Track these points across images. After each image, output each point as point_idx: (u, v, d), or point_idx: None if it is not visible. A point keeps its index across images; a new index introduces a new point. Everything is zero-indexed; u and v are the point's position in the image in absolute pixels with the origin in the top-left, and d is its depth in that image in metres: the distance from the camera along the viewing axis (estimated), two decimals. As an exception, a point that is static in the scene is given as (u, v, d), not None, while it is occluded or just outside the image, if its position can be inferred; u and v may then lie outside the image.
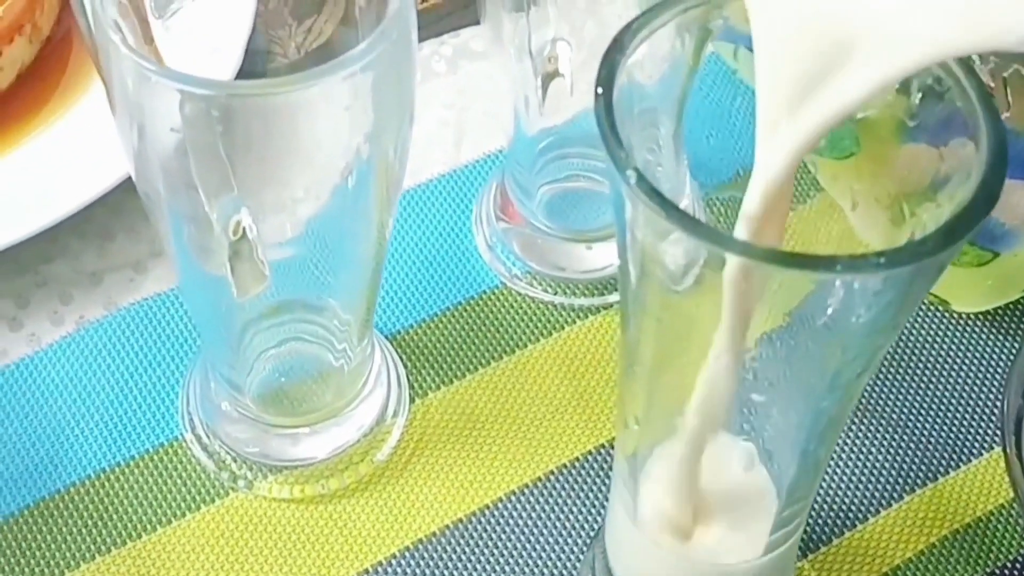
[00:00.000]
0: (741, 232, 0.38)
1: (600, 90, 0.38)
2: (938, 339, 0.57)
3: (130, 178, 0.55)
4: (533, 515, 0.53)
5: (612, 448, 0.54)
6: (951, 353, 0.57)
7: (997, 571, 0.52)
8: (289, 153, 0.44)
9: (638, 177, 0.37)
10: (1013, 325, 0.58)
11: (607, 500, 0.53)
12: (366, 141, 0.44)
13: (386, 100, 0.43)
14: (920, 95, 0.43)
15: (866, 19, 0.35)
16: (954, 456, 0.54)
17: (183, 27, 0.47)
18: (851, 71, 0.35)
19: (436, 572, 0.51)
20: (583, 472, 0.54)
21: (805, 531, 0.49)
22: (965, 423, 0.55)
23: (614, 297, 0.58)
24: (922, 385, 0.56)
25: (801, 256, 0.35)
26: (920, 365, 0.56)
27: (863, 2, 0.35)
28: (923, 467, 0.54)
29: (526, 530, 0.52)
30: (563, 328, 0.58)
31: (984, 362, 0.57)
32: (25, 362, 0.55)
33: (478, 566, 0.52)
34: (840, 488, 0.53)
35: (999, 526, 0.53)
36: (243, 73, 0.57)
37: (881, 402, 0.55)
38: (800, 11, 0.36)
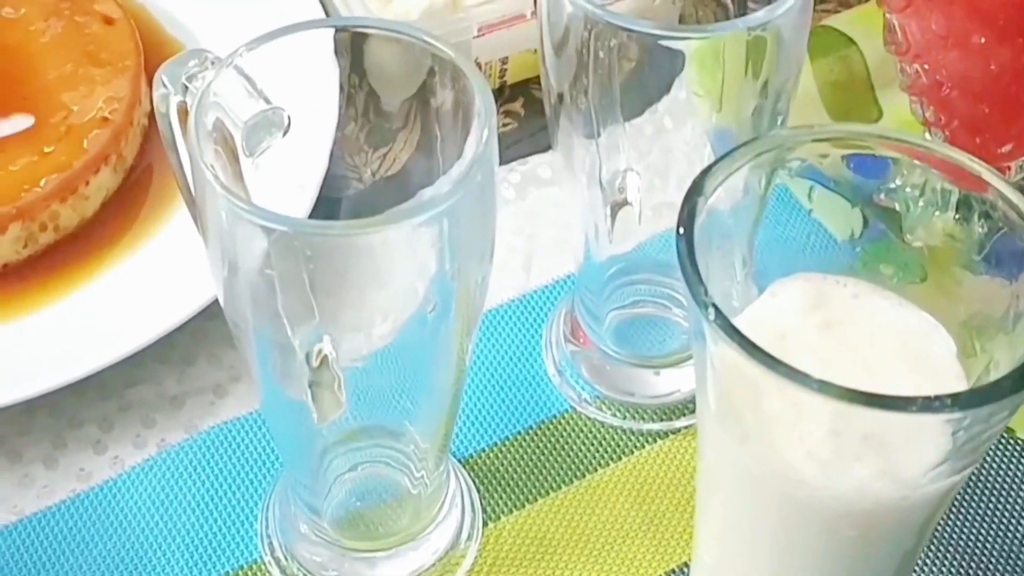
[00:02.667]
0: None
1: (682, 230, 0.39)
2: (1003, 467, 0.58)
3: (211, 304, 0.58)
4: (606, 640, 0.53)
5: (683, 573, 0.55)
6: (1016, 481, 0.57)
7: None
8: (372, 286, 0.46)
9: (716, 313, 0.38)
10: (1079, 451, 0.58)
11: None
12: (447, 276, 0.45)
13: (468, 238, 0.45)
14: (984, 229, 0.45)
15: None
16: (1023, 583, 0.55)
17: (270, 164, 0.49)
18: None
19: None
20: (655, 597, 0.54)
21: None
22: (1034, 550, 0.56)
23: (682, 422, 0.59)
24: (988, 512, 0.56)
25: (877, 396, 0.36)
26: (986, 492, 0.57)
27: None
28: (992, 594, 0.55)
29: (599, 654, 0.53)
30: (632, 453, 0.59)
31: (1051, 488, 0.57)
32: (109, 485, 0.57)
33: None
34: (910, 614, 0.54)
35: (1070, 654, 0.53)
36: (319, 198, 0.58)
37: (947, 529, 0.56)
38: None
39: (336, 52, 0.48)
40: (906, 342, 0.43)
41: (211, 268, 0.47)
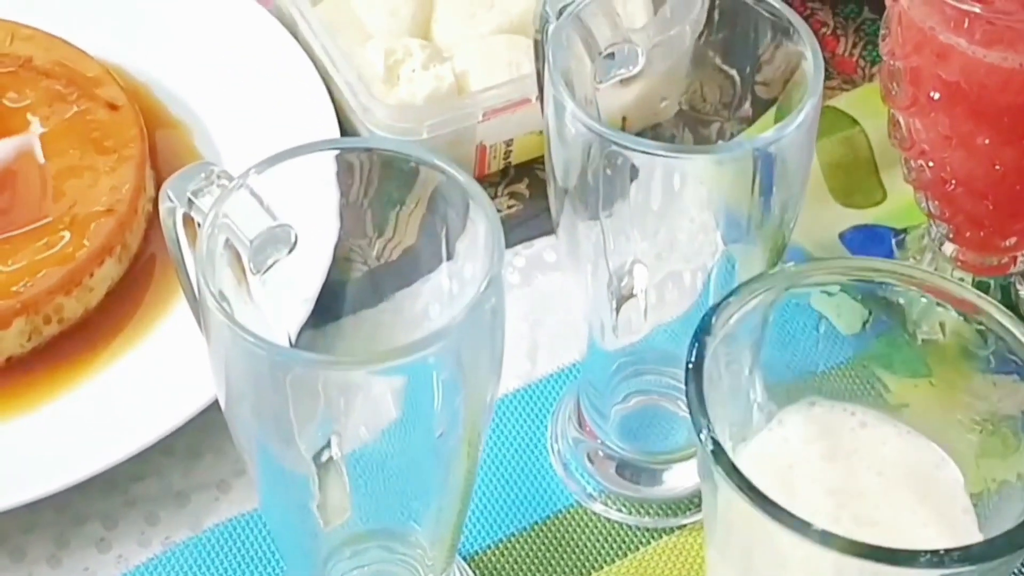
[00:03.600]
0: None
1: (691, 365, 0.39)
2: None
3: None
4: None
5: None
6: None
7: None
8: (381, 411, 0.46)
9: (718, 453, 0.38)
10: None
11: None
12: (456, 402, 0.45)
13: (476, 364, 0.45)
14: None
15: None
16: None
17: (277, 280, 0.49)
18: None
19: None
20: None
21: None
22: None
23: (688, 518, 0.59)
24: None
25: (880, 550, 0.36)
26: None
27: None
28: None
29: None
30: (638, 549, 0.58)
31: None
32: (113, 585, 0.57)
33: None
34: None
35: None
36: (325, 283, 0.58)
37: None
38: None
39: (339, 174, 0.48)
40: (914, 472, 0.43)
41: (215, 381, 0.47)
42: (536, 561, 0.58)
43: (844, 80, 0.76)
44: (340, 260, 0.57)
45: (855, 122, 0.73)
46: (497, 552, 0.58)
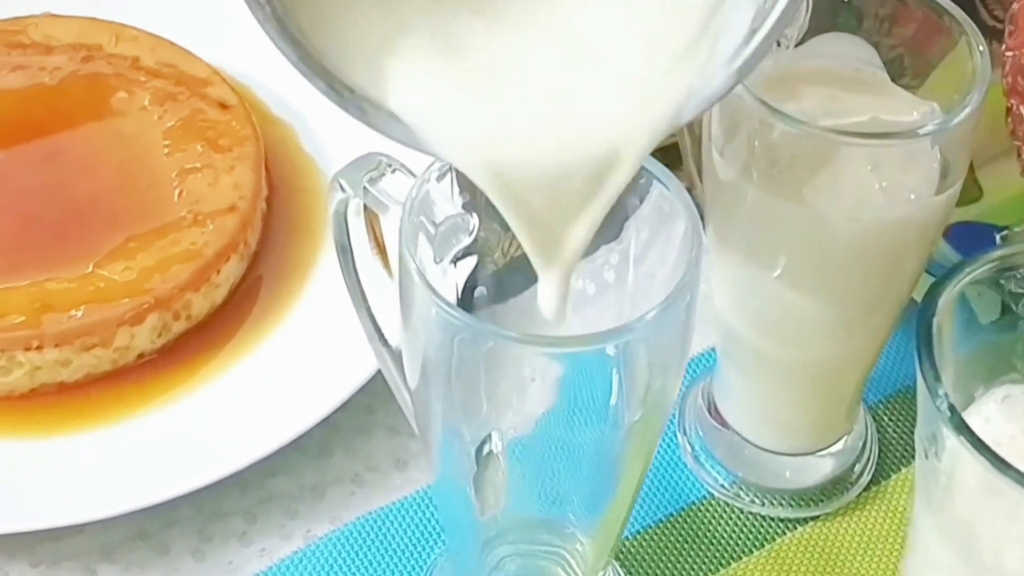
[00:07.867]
0: None
1: (920, 350, 0.40)
2: None
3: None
4: None
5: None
6: None
7: None
8: (564, 398, 0.46)
9: (951, 409, 0.39)
10: None
11: None
12: (637, 395, 0.45)
13: (668, 355, 0.45)
14: None
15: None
16: None
17: (453, 269, 0.49)
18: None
19: None
20: None
21: None
22: None
23: (821, 509, 0.60)
24: None
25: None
26: None
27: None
28: None
29: None
30: (774, 540, 0.59)
31: None
32: (263, 577, 0.57)
33: None
34: None
35: None
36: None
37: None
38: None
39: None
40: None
41: (407, 360, 0.47)
42: (671, 555, 0.58)
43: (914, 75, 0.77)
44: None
45: (951, 120, 0.73)
46: (631, 545, 0.58)
